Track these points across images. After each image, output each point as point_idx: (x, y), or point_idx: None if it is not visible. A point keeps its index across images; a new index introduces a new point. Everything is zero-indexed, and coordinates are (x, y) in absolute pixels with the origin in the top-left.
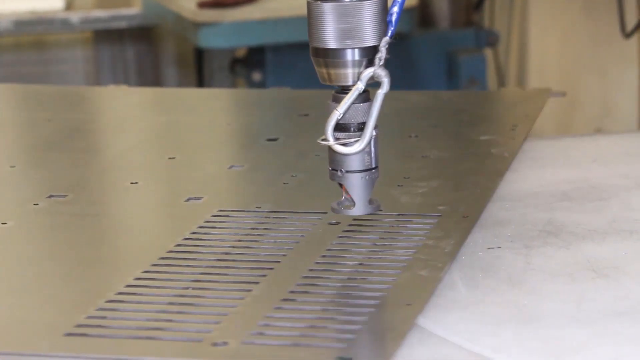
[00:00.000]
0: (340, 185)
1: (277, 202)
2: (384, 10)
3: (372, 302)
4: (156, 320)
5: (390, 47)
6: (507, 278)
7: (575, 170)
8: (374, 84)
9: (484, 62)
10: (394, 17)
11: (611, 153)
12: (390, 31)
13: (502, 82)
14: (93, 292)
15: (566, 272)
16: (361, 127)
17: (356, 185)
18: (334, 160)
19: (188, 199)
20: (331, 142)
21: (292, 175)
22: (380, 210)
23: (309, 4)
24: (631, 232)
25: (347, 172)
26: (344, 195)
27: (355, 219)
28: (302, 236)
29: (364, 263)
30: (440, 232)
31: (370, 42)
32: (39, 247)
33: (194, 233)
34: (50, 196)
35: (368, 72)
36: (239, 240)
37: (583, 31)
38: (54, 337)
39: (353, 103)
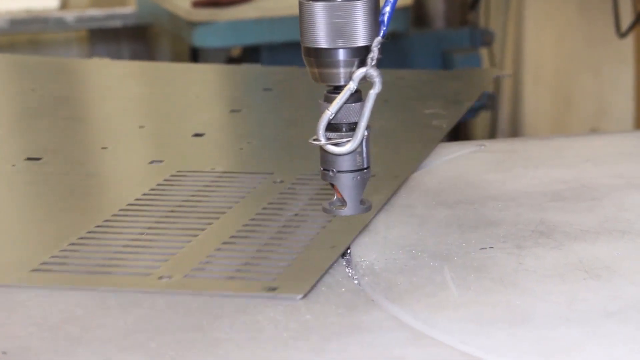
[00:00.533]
0: (332, 185)
1: (231, 165)
2: (376, 10)
3: (302, 244)
4: (112, 259)
5: (385, 46)
6: (499, 279)
7: (568, 170)
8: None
9: (479, 61)
10: (386, 17)
11: (604, 153)
12: (382, 31)
13: (497, 81)
14: (58, 236)
15: (558, 273)
16: (353, 127)
17: (348, 185)
18: (326, 160)
19: (151, 162)
20: (323, 142)
21: (248, 142)
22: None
23: (300, 3)
24: (623, 233)
25: (339, 172)
26: (336, 195)
27: (298, 178)
28: (248, 192)
29: (300, 213)
30: (371, 189)
31: (361, 42)
32: (13, 199)
33: (152, 189)
34: (27, 159)
35: (360, 72)
36: (192, 196)
37: (578, 31)
38: (21, 273)
39: (345, 103)
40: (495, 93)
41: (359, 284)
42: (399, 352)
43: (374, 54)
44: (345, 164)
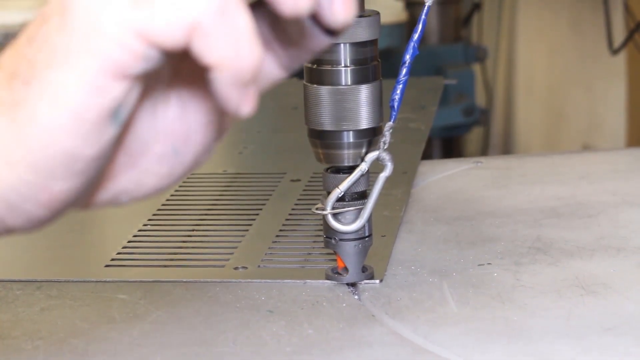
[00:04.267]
0: (335, 252)
1: (239, 167)
2: (379, 93)
3: None
4: (177, 253)
5: (381, 61)
6: (497, 294)
7: (564, 187)
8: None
9: (473, 77)
10: (396, 104)
11: (599, 170)
12: (393, 116)
13: (490, 96)
14: (110, 237)
15: (555, 289)
16: (355, 196)
17: (350, 253)
18: (329, 228)
19: None
20: (327, 212)
21: (244, 147)
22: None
23: (305, 86)
24: (619, 249)
25: (341, 240)
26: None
27: (312, 176)
28: (272, 190)
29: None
30: (387, 184)
31: (365, 125)
32: None
33: (177, 191)
34: None
35: (373, 155)
36: (220, 195)
37: (570, 47)
38: (96, 268)
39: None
40: (487, 109)
41: (359, 299)
42: None
43: (387, 138)
44: (348, 233)
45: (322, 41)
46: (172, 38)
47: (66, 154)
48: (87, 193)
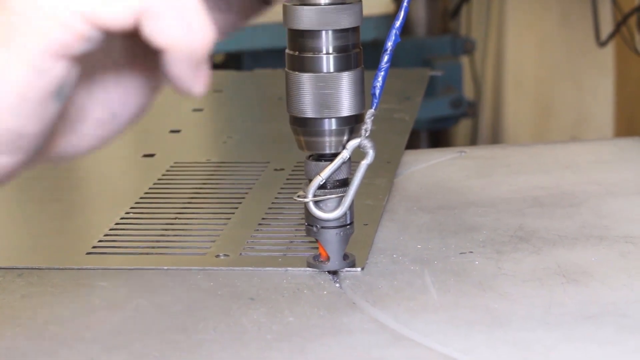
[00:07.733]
0: (316, 240)
1: (223, 156)
2: (361, 81)
3: None
4: (159, 241)
5: (367, 54)
6: (478, 282)
7: (548, 177)
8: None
9: (460, 69)
10: (377, 91)
11: (583, 160)
12: (374, 104)
13: (478, 89)
14: (92, 224)
15: (536, 277)
16: (337, 184)
17: (331, 241)
18: (310, 216)
19: (143, 156)
20: (309, 198)
21: (229, 137)
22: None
23: (287, 73)
24: (601, 238)
25: (323, 228)
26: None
27: (296, 165)
28: (256, 179)
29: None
30: (370, 172)
31: (346, 112)
32: (29, 193)
33: (160, 179)
34: None
35: (354, 142)
36: (203, 184)
37: (559, 40)
38: (78, 256)
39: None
40: (476, 101)
41: (340, 287)
42: (379, 354)
43: (368, 125)
44: (330, 220)
45: (259, 7)
46: (120, 21)
47: (11, 132)
48: (27, 162)
